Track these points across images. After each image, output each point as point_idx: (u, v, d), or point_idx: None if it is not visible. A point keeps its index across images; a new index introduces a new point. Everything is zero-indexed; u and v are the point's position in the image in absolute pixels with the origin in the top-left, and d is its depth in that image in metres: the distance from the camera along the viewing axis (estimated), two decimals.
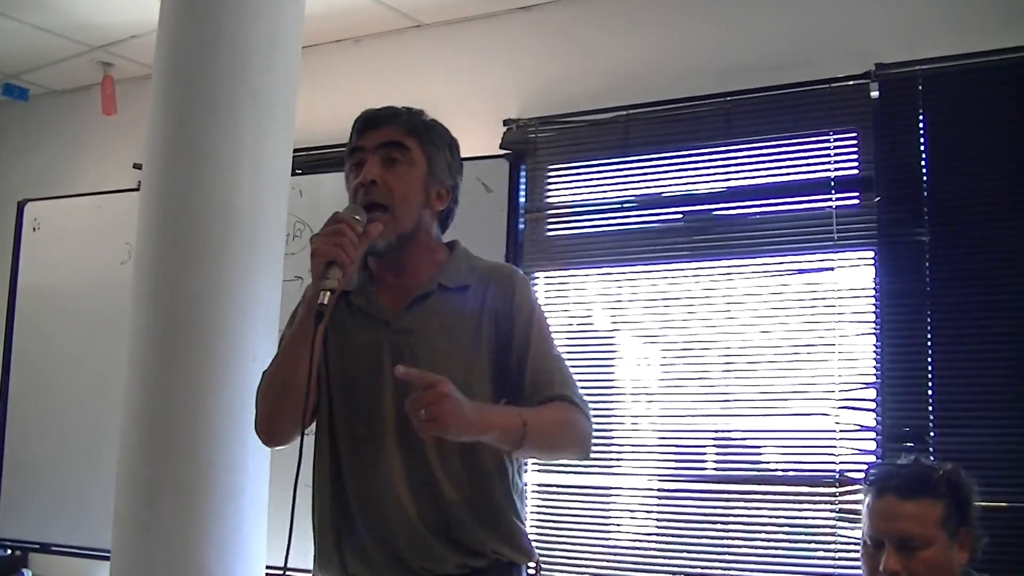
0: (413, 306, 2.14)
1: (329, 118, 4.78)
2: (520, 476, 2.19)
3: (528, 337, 2.14)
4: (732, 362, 3.86)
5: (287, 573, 2.05)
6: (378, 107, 2.21)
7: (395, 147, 2.14)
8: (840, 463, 3.61)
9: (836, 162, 3.81)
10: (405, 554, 2.05)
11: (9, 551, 4.96)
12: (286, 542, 1.93)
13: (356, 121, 2.20)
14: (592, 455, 3.97)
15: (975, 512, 2.31)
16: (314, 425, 2.20)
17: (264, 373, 2.17)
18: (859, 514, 2.39)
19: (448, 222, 2.28)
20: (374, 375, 2.11)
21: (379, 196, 2.10)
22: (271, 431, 2.14)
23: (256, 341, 3.26)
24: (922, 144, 3.65)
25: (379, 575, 2.09)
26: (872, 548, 2.30)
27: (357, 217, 2.03)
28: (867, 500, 2.34)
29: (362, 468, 2.10)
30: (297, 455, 1.95)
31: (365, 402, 2.12)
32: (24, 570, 4.91)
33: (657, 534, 3.92)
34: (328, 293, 1.94)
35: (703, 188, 4.02)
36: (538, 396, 2.11)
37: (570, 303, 4.23)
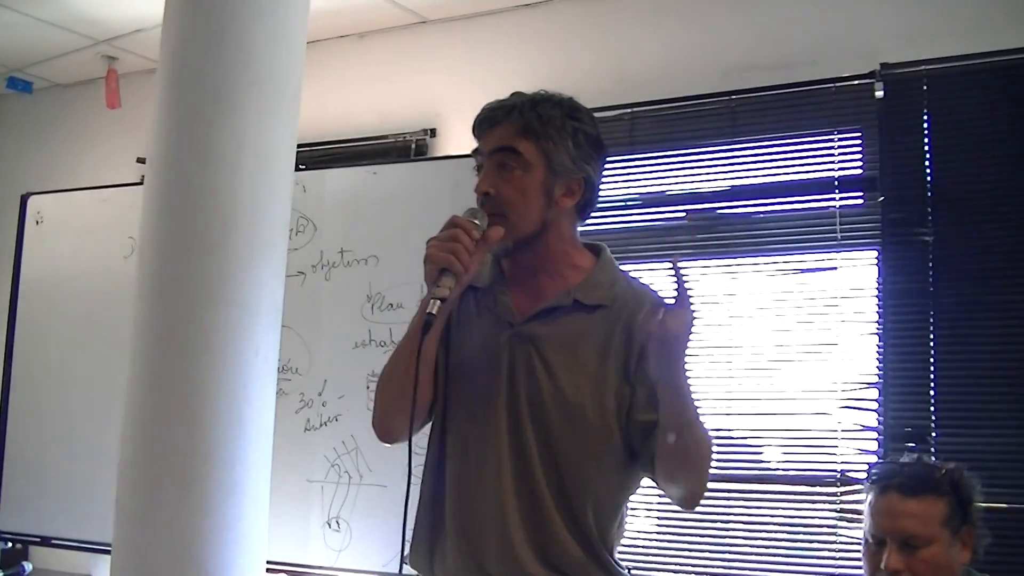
0: (542, 314, 2.05)
1: (333, 113, 4.80)
2: (628, 498, 2.12)
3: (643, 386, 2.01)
4: (734, 361, 3.86)
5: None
6: (498, 99, 2.10)
7: (507, 152, 2.02)
8: (842, 463, 3.62)
9: (840, 161, 3.81)
10: (490, 562, 1.98)
11: (10, 544, 4.97)
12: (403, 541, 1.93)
13: (476, 118, 2.10)
14: None
15: (977, 511, 2.31)
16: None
17: (384, 369, 2.11)
18: (860, 514, 2.38)
19: (588, 212, 2.13)
20: (491, 375, 2.04)
21: (495, 206, 2.00)
22: (386, 428, 2.09)
23: (258, 336, 3.25)
24: (926, 144, 3.65)
25: None
26: (874, 546, 2.30)
27: (476, 222, 1.96)
28: (869, 498, 2.34)
29: (467, 470, 2.04)
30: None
31: (479, 401, 2.05)
32: (25, 563, 4.92)
33: (658, 532, 3.92)
34: (438, 302, 1.90)
35: (707, 187, 4.02)
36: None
37: None
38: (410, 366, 1.94)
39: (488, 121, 2.07)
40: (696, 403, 1.92)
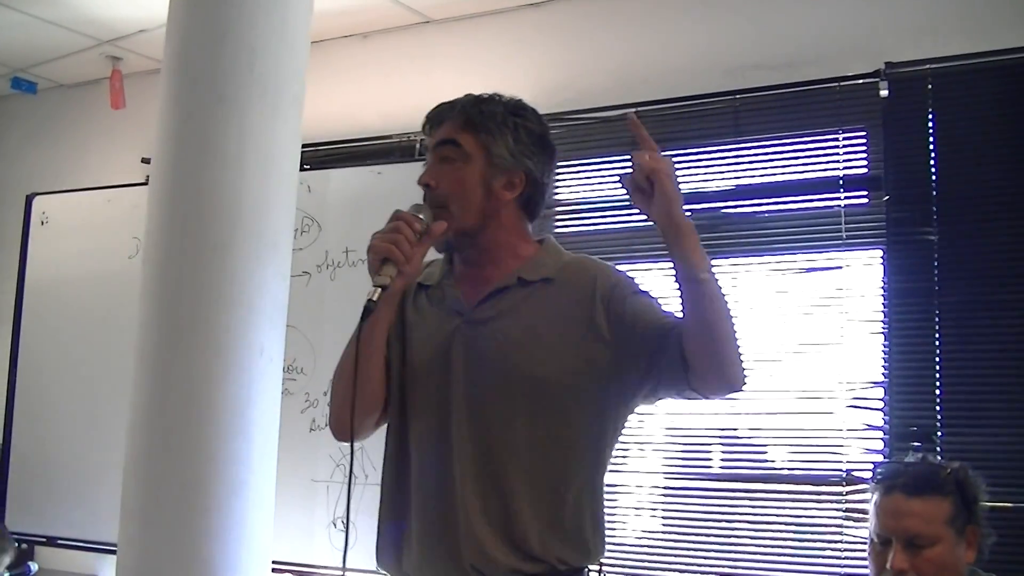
0: (490, 298, 2.10)
1: (337, 113, 4.80)
2: (603, 475, 2.12)
3: (627, 317, 2.02)
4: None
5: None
6: (443, 101, 2.17)
7: (449, 145, 2.10)
8: (847, 462, 3.61)
9: (845, 161, 3.80)
10: (458, 552, 1.99)
11: (16, 544, 4.97)
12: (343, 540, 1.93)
13: (424, 117, 2.19)
14: None
15: (982, 511, 2.31)
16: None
17: (336, 369, 2.15)
18: (866, 513, 2.39)
19: (535, 208, 2.18)
20: (444, 366, 2.07)
21: (436, 198, 2.08)
22: (338, 427, 2.12)
23: (263, 335, 3.26)
24: (931, 143, 3.65)
25: (428, 573, 2.04)
26: (879, 546, 2.30)
27: (421, 216, 2.02)
28: (874, 498, 2.34)
29: (427, 461, 2.06)
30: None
31: (434, 393, 2.08)
32: (31, 563, 4.92)
33: (663, 532, 3.92)
34: (379, 290, 1.95)
35: (712, 186, 4.02)
36: (673, 344, 1.95)
37: None
38: (352, 356, 2.00)
39: (435, 118, 2.16)
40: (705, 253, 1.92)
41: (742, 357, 1.92)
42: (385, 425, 2.18)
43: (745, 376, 1.94)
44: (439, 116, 2.15)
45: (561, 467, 2.02)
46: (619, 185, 1.97)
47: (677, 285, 1.91)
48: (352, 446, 2.00)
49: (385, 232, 2.00)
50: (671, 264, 1.93)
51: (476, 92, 2.18)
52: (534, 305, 2.08)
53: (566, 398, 2.03)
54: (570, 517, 2.02)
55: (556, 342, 2.04)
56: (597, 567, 2.11)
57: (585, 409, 2.04)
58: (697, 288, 1.88)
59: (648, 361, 1.98)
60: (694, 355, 1.91)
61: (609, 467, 2.15)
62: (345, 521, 1.94)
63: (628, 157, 1.91)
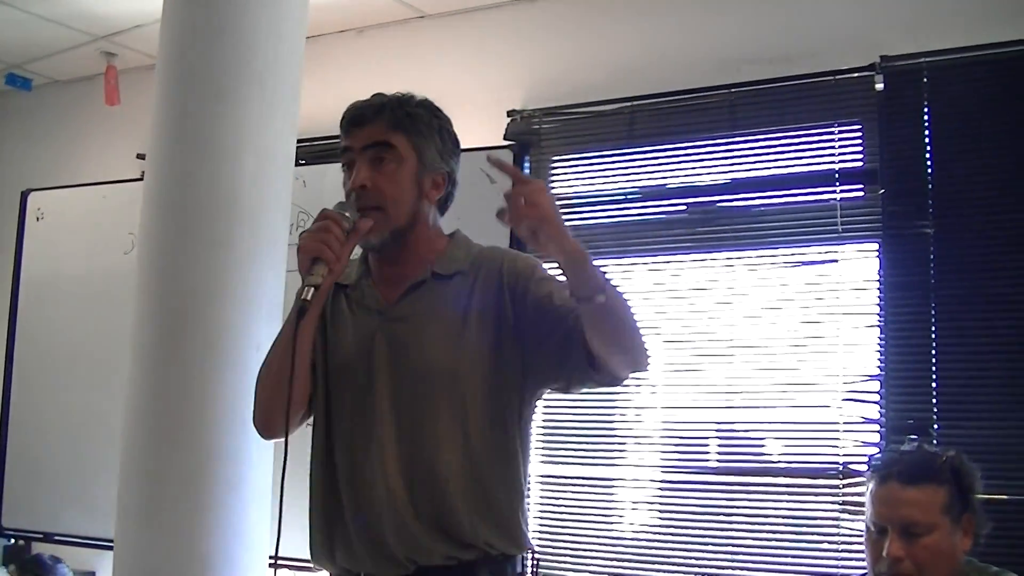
0: (407, 295, 2.14)
1: (333, 108, 4.73)
2: (526, 464, 2.16)
3: (530, 304, 2.08)
4: (735, 354, 3.86)
5: (288, 563, 2.06)
6: (362, 100, 2.19)
7: (381, 147, 2.12)
8: (844, 455, 3.61)
9: (840, 154, 3.81)
10: (391, 544, 2.03)
11: (13, 540, 4.98)
12: (276, 532, 1.95)
13: (342, 118, 2.19)
14: (594, 447, 3.99)
15: (977, 498, 2.32)
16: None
17: (261, 366, 2.18)
18: (863, 506, 2.39)
19: (447, 206, 2.25)
20: (367, 364, 2.11)
21: (371, 200, 2.09)
22: (266, 424, 2.16)
23: (259, 331, 3.26)
24: (926, 136, 3.65)
25: (364, 567, 2.08)
26: (875, 534, 2.30)
27: (347, 214, 2.04)
28: (870, 486, 2.35)
29: (354, 457, 2.10)
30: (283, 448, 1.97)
31: (358, 391, 2.12)
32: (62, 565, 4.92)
33: (660, 526, 3.92)
34: (312, 289, 1.97)
35: (707, 180, 4.01)
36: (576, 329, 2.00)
37: None
38: (286, 355, 2.01)
39: (357, 119, 2.16)
40: (590, 259, 1.91)
41: (645, 341, 2.00)
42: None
43: (649, 358, 2.03)
44: (363, 117, 2.15)
45: (483, 456, 2.07)
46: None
47: (575, 303, 1.93)
48: (286, 444, 2.02)
49: (314, 231, 2.01)
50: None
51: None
52: (448, 299, 2.13)
53: (484, 389, 2.08)
54: (496, 504, 2.08)
55: (471, 334, 2.09)
56: (528, 553, 2.16)
57: (503, 398, 2.10)
58: (597, 307, 1.90)
59: (555, 360, 2.05)
60: (598, 352, 1.96)
61: (530, 454, 2.21)
62: (278, 526, 1.95)
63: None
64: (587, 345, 1.97)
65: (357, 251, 2.15)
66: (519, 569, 2.14)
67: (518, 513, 2.13)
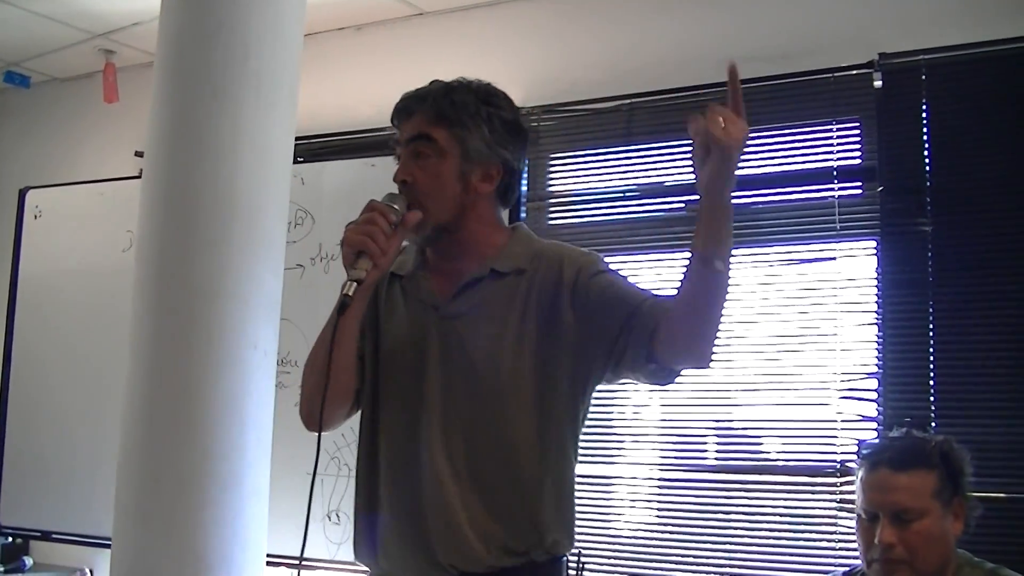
0: (463, 291, 2.08)
1: (331, 106, 4.80)
2: (573, 464, 2.10)
3: (591, 298, 2.02)
4: (733, 351, 3.86)
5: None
6: (412, 90, 2.14)
7: (421, 140, 2.06)
8: (841, 453, 3.61)
9: (839, 151, 3.80)
10: (435, 548, 1.98)
11: (10, 539, 4.98)
12: (302, 532, 1.92)
13: (393, 109, 2.14)
14: (592, 444, 3.99)
15: (968, 482, 2.33)
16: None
17: (307, 357, 2.13)
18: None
19: (510, 196, 2.17)
20: (419, 360, 2.06)
21: (411, 195, 2.04)
22: (309, 416, 2.09)
23: (257, 329, 3.25)
24: (925, 134, 3.64)
25: (403, 569, 2.03)
26: (867, 521, 2.31)
27: (395, 206, 2.00)
28: (860, 474, 2.36)
29: (401, 456, 2.04)
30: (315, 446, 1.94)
31: (409, 387, 2.06)
32: (25, 558, 4.92)
33: (658, 523, 3.92)
34: (354, 284, 1.93)
35: None
36: (653, 320, 1.93)
37: None
38: (327, 351, 1.97)
39: (404, 111, 2.12)
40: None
41: (716, 342, 1.91)
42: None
43: (713, 358, 1.93)
44: (408, 108, 2.11)
45: (536, 460, 2.02)
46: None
47: (689, 261, 1.86)
48: (320, 439, 1.96)
49: (359, 224, 1.97)
50: (691, 238, 1.87)
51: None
52: (507, 297, 2.07)
53: (540, 388, 2.02)
54: (546, 507, 2.02)
55: (529, 334, 2.03)
56: (575, 555, 2.12)
57: (559, 400, 2.04)
58: (706, 273, 1.83)
59: (615, 336, 1.98)
60: (679, 323, 1.89)
61: (581, 457, 2.15)
62: (306, 516, 1.93)
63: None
64: (653, 337, 1.91)
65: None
66: (563, 571, 2.09)
67: (567, 515, 2.07)
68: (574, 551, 2.12)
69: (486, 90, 2.15)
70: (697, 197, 1.88)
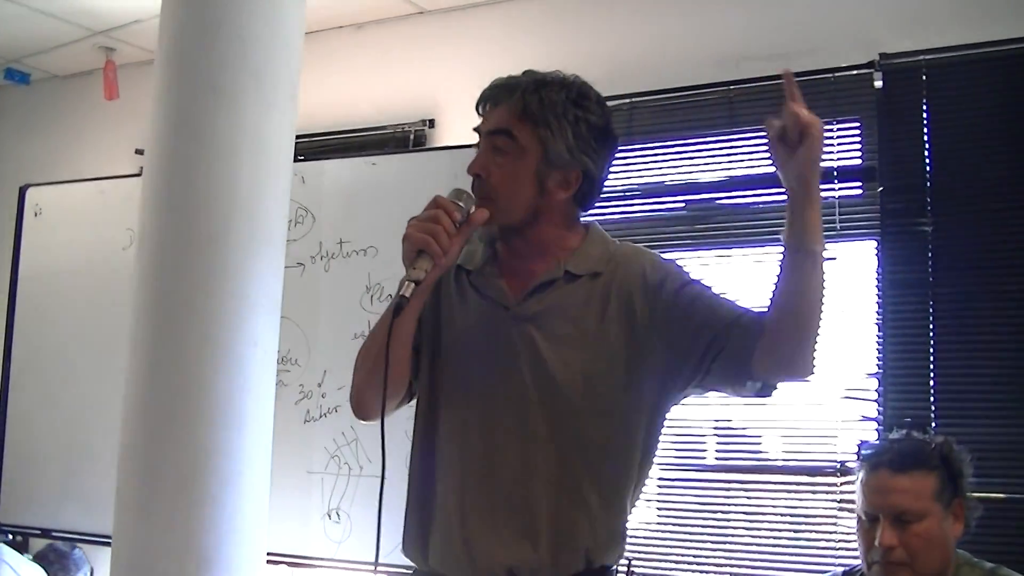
0: (536, 293, 1.99)
1: (332, 104, 4.80)
2: (646, 475, 2.05)
3: (679, 309, 1.94)
4: None
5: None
6: (503, 78, 2.05)
7: (502, 135, 1.97)
8: (842, 453, 3.62)
9: (839, 151, 3.80)
10: (488, 554, 1.92)
11: (10, 536, 4.97)
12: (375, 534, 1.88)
13: (480, 94, 2.05)
14: None
15: (968, 483, 2.33)
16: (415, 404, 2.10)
17: (361, 347, 2.06)
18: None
19: (591, 201, 2.07)
20: (490, 361, 1.98)
21: (483, 190, 1.96)
22: (359, 406, 2.03)
23: (257, 327, 3.25)
24: (925, 134, 3.65)
25: (456, 570, 1.96)
26: (867, 523, 2.31)
27: (460, 203, 1.91)
28: (860, 476, 2.36)
29: (468, 456, 1.97)
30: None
31: (475, 387, 1.99)
32: (25, 555, 4.92)
33: (658, 523, 3.92)
34: (412, 285, 1.84)
35: (705, 177, 4.01)
36: (751, 337, 1.86)
37: None
38: (381, 349, 1.88)
39: (491, 99, 2.03)
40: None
41: (817, 347, 1.83)
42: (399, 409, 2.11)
43: (815, 365, 1.84)
44: (495, 97, 2.02)
45: (603, 467, 1.95)
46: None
47: (784, 254, 1.81)
48: (383, 436, 1.88)
49: (422, 220, 1.88)
50: (783, 232, 1.81)
51: (537, 70, 2.07)
52: (582, 300, 1.99)
53: (616, 395, 1.96)
54: (615, 518, 1.97)
55: (605, 338, 1.96)
56: (626, 564, 2.08)
57: (636, 407, 1.98)
58: (806, 260, 1.77)
59: (703, 352, 1.91)
60: (777, 331, 1.82)
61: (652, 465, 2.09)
62: (377, 526, 1.89)
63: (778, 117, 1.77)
64: (757, 337, 1.84)
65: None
66: None
67: (623, 524, 2.01)
68: (625, 560, 2.07)
69: (579, 90, 2.04)
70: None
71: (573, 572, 1.92)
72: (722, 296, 1.98)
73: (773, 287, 1.84)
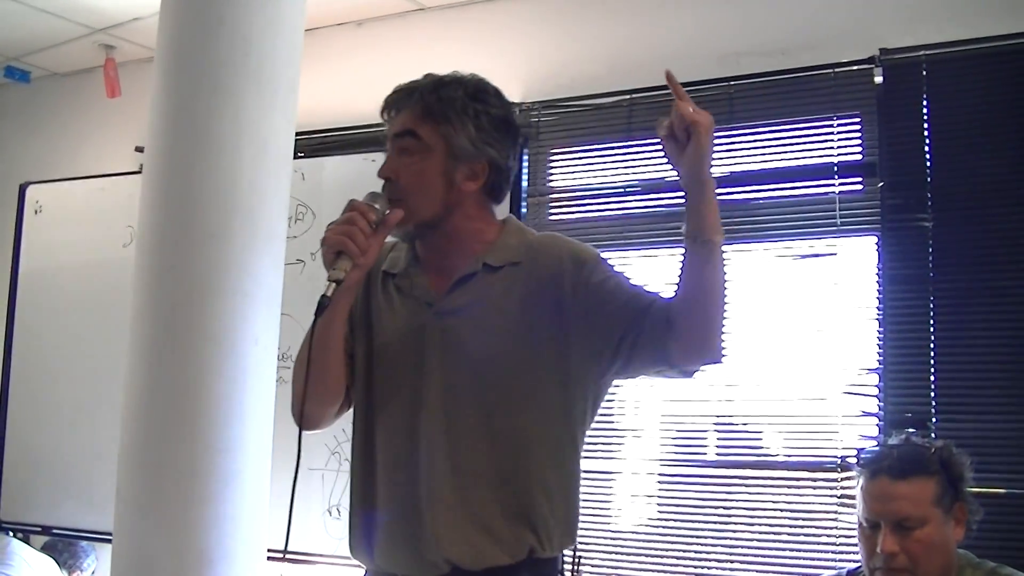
0: (457, 287, 2.06)
1: (332, 101, 4.80)
2: (578, 459, 2.08)
3: (598, 296, 2.01)
4: (734, 347, 3.86)
5: (288, 556, 2.05)
6: (403, 83, 2.13)
7: (407, 136, 2.05)
8: (842, 449, 3.62)
9: (839, 147, 3.80)
10: (432, 546, 1.96)
11: (11, 534, 4.97)
12: (286, 526, 1.92)
13: (383, 102, 2.13)
14: (592, 439, 3.99)
15: (968, 488, 2.33)
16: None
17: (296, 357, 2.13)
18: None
19: (500, 194, 2.14)
20: (416, 356, 2.04)
21: (394, 192, 2.03)
22: (301, 415, 2.07)
23: (258, 324, 3.25)
24: (926, 129, 3.65)
25: (400, 567, 2.02)
26: (868, 530, 2.31)
27: (376, 206, 1.98)
28: (860, 482, 2.36)
29: (397, 453, 2.03)
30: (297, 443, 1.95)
31: (406, 383, 2.05)
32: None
33: (658, 519, 3.93)
34: (333, 285, 1.92)
35: None
36: (664, 324, 1.93)
37: None
38: (315, 346, 1.99)
39: (394, 105, 2.11)
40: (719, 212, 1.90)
41: (724, 332, 1.93)
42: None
43: (724, 350, 1.94)
44: (398, 102, 2.10)
45: (536, 455, 2.00)
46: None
47: (684, 245, 1.89)
48: (300, 439, 1.99)
49: (339, 224, 1.96)
50: (683, 224, 1.90)
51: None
52: (501, 291, 2.05)
53: (541, 382, 2.01)
54: (547, 504, 2.00)
55: (528, 327, 2.02)
56: (572, 553, 2.10)
57: (558, 394, 2.03)
58: (703, 249, 1.87)
59: (621, 337, 1.97)
60: (683, 321, 1.90)
61: (583, 453, 2.13)
62: (289, 510, 1.95)
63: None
64: (669, 324, 1.91)
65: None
66: (559, 567, 2.08)
67: (570, 512, 2.05)
68: (571, 549, 2.09)
69: (476, 85, 2.13)
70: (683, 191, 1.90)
71: (516, 561, 1.97)
72: (637, 285, 2.04)
73: (678, 278, 1.92)
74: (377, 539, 2.04)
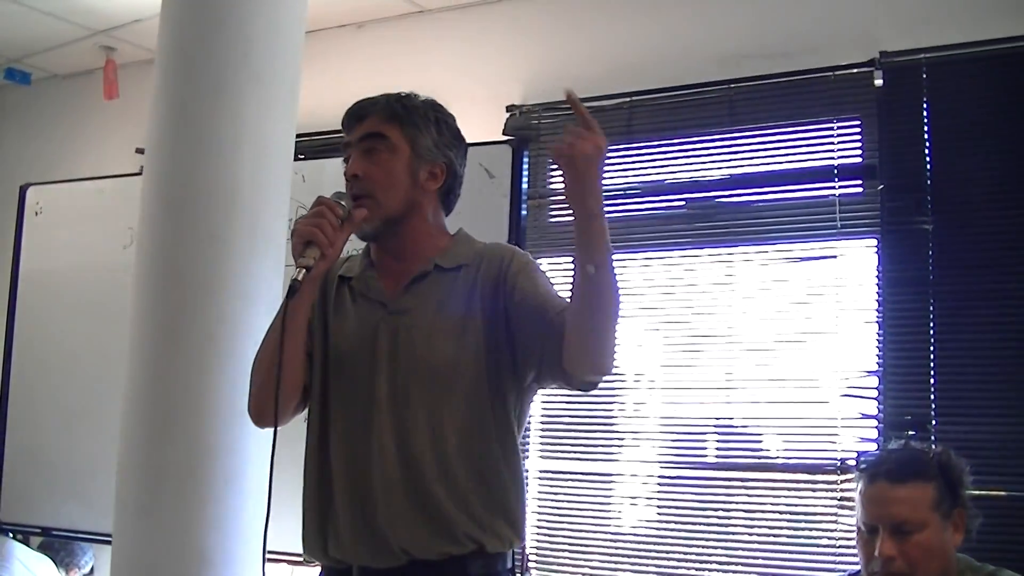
0: (410, 287, 2.17)
1: (332, 103, 4.75)
2: (520, 458, 2.17)
3: (520, 298, 2.12)
4: (734, 349, 3.86)
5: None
6: (363, 99, 2.23)
7: (375, 138, 2.17)
8: (842, 451, 3.62)
9: (839, 150, 3.81)
10: (386, 534, 2.05)
11: (11, 536, 4.97)
12: (263, 525, 1.98)
13: (344, 115, 2.24)
14: (592, 442, 4.00)
15: (967, 493, 2.32)
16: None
17: (256, 353, 2.20)
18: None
19: (451, 201, 2.28)
20: (368, 355, 2.13)
21: (362, 188, 2.13)
22: (259, 411, 2.17)
23: (258, 325, 3.24)
24: (926, 132, 3.65)
25: (357, 559, 2.09)
26: (867, 534, 2.31)
27: (342, 203, 2.08)
28: (859, 487, 2.36)
29: (352, 449, 2.11)
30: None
31: (358, 382, 2.13)
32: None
33: (658, 521, 3.93)
34: (303, 271, 2.01)
35: (706, 175, 4.01)
36: (553, 330, 2.04)
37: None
38: (278, 338, 2.04)
39: (356, 115, 2.22)
40: (610, 242, 1.98)
41: (615, 349, 2.00)
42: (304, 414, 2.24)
43: (613, 366, 2.02)
44: (361, 112, 2.21)
45: (480, 451, 2.09)
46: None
47: (574, 267, 1.97)
48: (275, 432, 2.08)
49: (308, 217, 2.05)
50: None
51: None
52: (451, 292, 2.16)
53: (484, 381, 2.11)
54: (493, 498, 2.09)
55: (473, 327, 2.12)
56: (519, 549, 2.18)
57: (502, 391, 2.13)
58: (587, 277, 1.94)
59: (534, 342, 2.07)
60: (570, 336, 1.99)
61: (523, 451, 2.21)
62: (266, 519, 1.99)
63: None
64: (559, 349, 2.01)
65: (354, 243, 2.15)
66: (510, 564, 2.15)
67: (515, 508, 2.13)
68: (517, 549, 2.17)
69: (434, 102, 2.27)
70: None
71: (464, 552, 2.06)
72: (558, 296, 2.13)
73: (569, 296, 2.00)
74: (331, 533, 2.12)
